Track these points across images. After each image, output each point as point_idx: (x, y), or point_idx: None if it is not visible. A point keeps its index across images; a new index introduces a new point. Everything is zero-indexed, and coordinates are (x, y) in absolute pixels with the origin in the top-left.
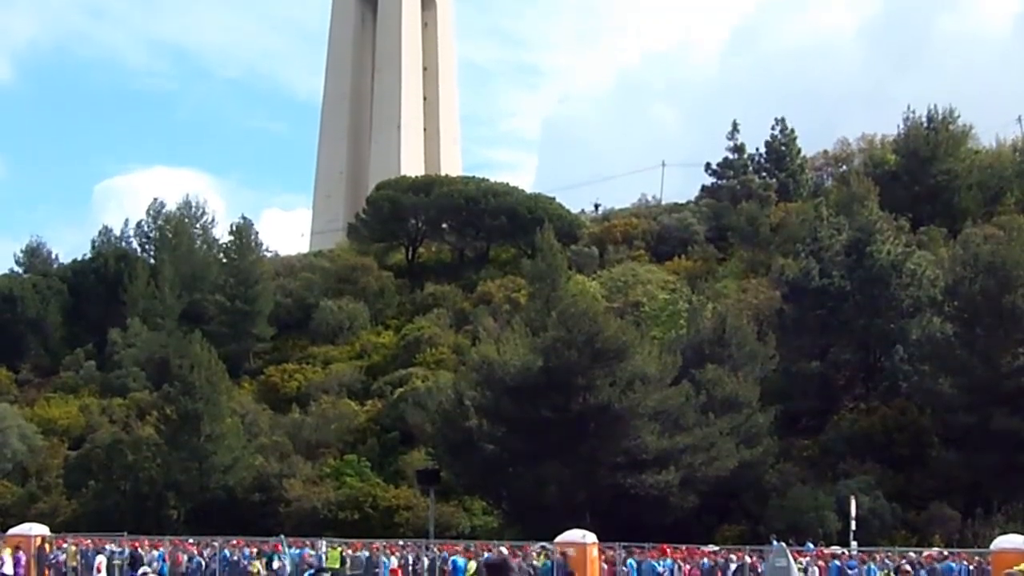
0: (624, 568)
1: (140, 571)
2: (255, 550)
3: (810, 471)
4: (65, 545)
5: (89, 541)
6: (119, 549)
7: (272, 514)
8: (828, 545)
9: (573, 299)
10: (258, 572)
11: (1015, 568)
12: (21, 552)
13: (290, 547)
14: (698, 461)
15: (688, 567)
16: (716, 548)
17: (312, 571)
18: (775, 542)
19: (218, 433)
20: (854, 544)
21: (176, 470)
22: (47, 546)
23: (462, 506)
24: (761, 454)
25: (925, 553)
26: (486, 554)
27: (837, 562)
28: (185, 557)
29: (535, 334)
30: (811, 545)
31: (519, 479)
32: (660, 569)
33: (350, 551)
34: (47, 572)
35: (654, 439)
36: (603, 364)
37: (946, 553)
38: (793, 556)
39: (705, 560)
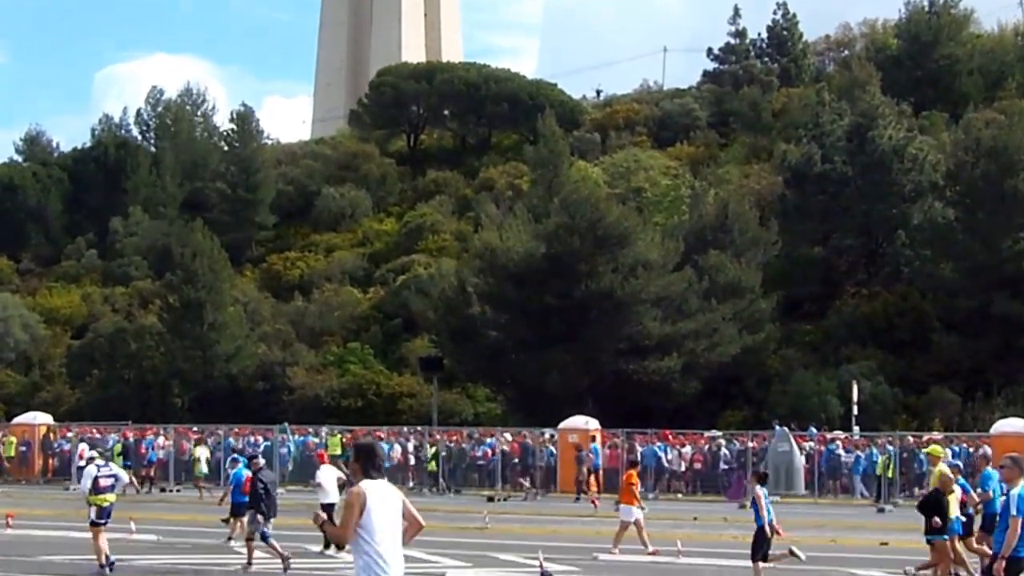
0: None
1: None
2: (195, 438)
3: (812, 356)
4: (69, 434)
5: (94, 430)
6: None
7: (275, 402)
8: (830, 430)
9: (575, 185)
10: (198, 460)
11: (930, 449)
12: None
13: (294, 435)
14: (700, 347)
15: (691, 452)
16: (718, 433)
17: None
18: (777, 427)
19: (221, 321)
20: (856, 428)
21: (179, 359)
22: (51, 435)
23: (465, 393)
24: (763, 340)
25: (925, 437)
26: (489, 440)
27: (833, 446)
28: (190, 445)
29: (537, 221)
30: (813, 430)
31: (522, 366)
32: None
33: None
34: (51, 461)
35: (656, 325)
36: (605, 250)
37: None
38: (795, 441)
39: (707, 445)
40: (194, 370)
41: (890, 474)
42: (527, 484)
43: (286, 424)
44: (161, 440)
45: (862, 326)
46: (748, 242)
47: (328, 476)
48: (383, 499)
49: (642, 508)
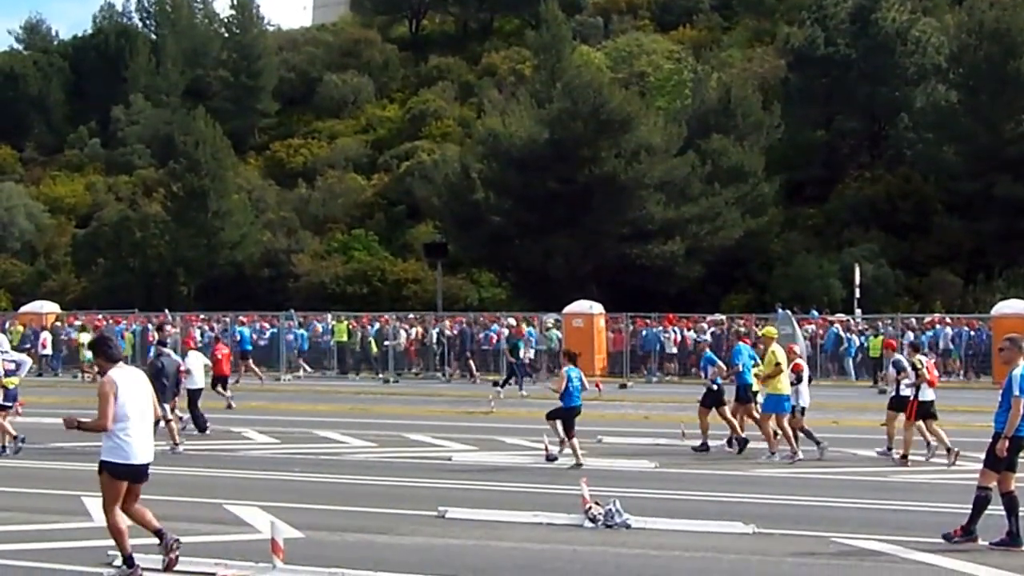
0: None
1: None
2: (79, 324)
3: (815, 239)
4: (77, 322)
5: (101, 318)
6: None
7: (281, 289)
8: (833, 312)
9: (578, 70)
10: (81, 346)
11: (764, 331)
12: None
13: (300, 321)
14: (703, 231)
15: (694, 335)
16: (721, 317)
17: None
18: (780, 310)
19: (225, 209)
20: (858, 311)
21: (184, 246)
22: (59, 323)
23: (470, 278)
24: (766, 223)
25: (927, 319)
26: (494, 326)
27: (835, 329)
28: (197, 332)
29: (540, 106)
30: (816, 312)
31: (526, 251)
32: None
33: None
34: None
35: (659, 209)
36: (608, 135)
37: (948, 319)
38: (798, 323)
39: (712, 329)
40: (199, 258)
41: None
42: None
43: (292, 311)
44: (169, 328)
45: (864, 209)
46: (751, 126)
47: (196, 362)
48: (131, 385)
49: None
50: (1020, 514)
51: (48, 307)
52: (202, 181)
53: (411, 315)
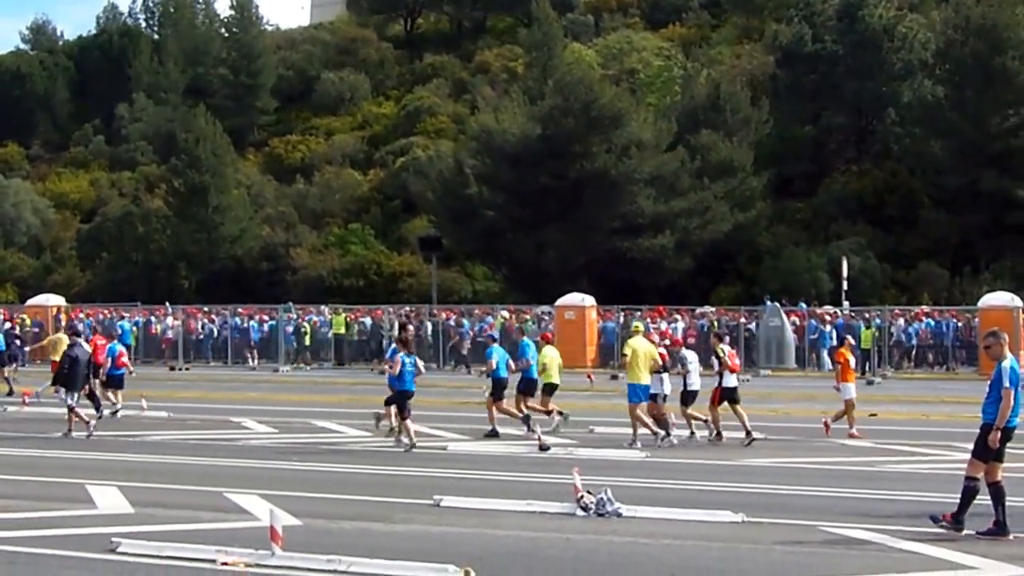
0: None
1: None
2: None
3: (803, 233)
4: (82, 315)
5: (105, 310)
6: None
7: (279, 282)
8: (820, 305)
9: (569, 67)
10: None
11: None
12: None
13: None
14: (693, 225)
15: (684, 327)
16: (711, 309)
17: None
18: (769, 302)
19: (225, 204)
20: (846, 303)
21: (185, 241)
22: (64, 316)
23: (464, 272)
24: (755, 217)
25: (914, 311)
26: (487, 317)
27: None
28: (198, 324)
29: (532, 102)
30: (804, 305)
31: (519, 245)
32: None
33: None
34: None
35: (650, 204)
36: (599, 131)
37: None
38: (786, 316)
39: (701, 321)
40: (200, 252)
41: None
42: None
43: (290, 303)
44: (170, 320)
45: (852, 203)
46: (739, 122)
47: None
48: None
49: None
50: (1007, 503)
51: (53, 300)
52: (203, 177)
53: (406, 307)
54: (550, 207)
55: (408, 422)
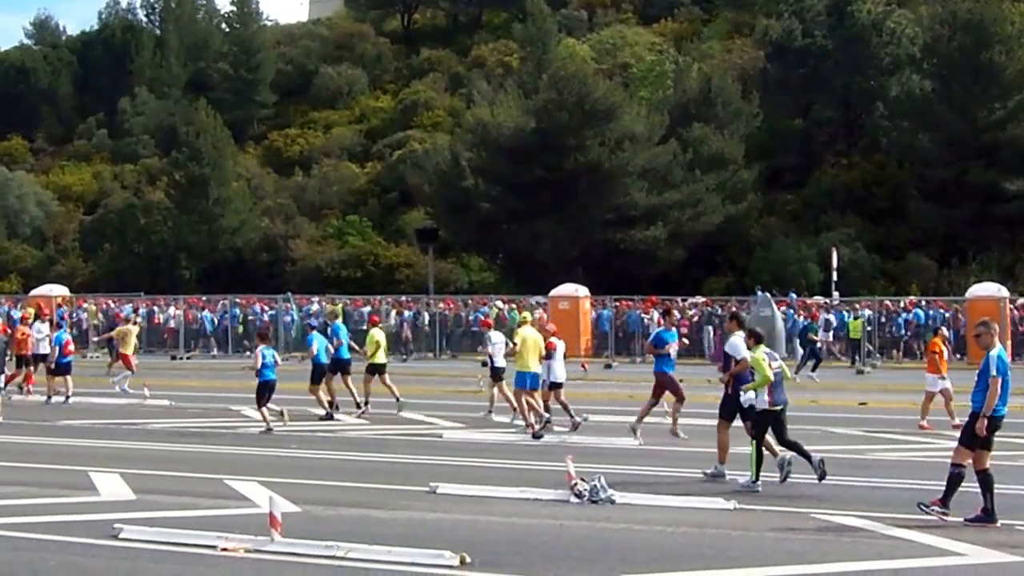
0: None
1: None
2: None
3: (793, 224)
4: (85, 305)
5: (108, 300)
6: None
7: (279, 273)
8: (811, 295)
9: (563, 62)
10: None
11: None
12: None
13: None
14: (685, 216)
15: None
16: (702, 299)
17: None
18: (760, 292)
19: (225, 196)
20: (835, 294)
21: (186, 232)
22: (67, 306)
23: (460, 263)
24: (746, 209)
25: (903, 301)
26: (483, 308)
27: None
28: (200, 314)
29: (527, 96)
30: (794, 295)
31: (514, 236)
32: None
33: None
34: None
35: (643, 196)
36: (593, 124)
37: (923, 301)
38: (777, 306)
39: (693, 311)
40: (201, 243)
41: (857, 335)
42: None
43: (289, 293)
44: (172, 310)
45: (841, 195)
46: (731, 115)
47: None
48: None
49: (943, 378)
50: (994, 491)
51: (57, 290)
52: (203, 170)
53: (403, 298)
54: (545, 199)
55: (264, 410)
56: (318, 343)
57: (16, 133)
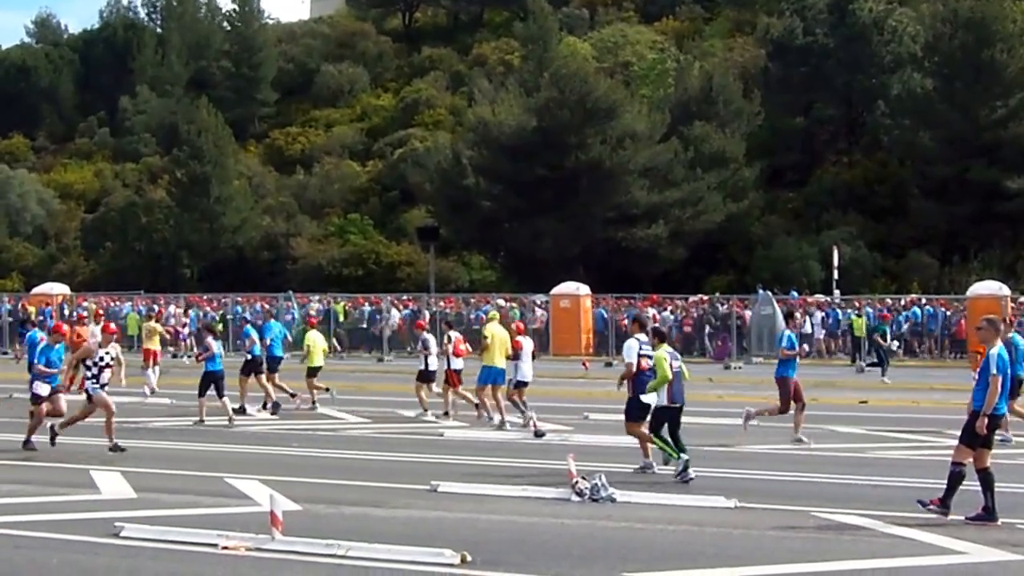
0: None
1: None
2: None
3: (794, 223)
4: (86, 303)
5: (109, 299)
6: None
7: (280, 271)
8: (812, 293)
9: (565, 60)
10: None
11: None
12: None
13: (298, 303)
14: (686, 215)
15: (679, 316)
16: (704, 297)
17: None
18: (761, 291)
19: (226, 195)
20: (836, 292)
21: (188, 230)
22: (68, 304)
23: (461, 261)
24: (747, 207)
25: (903, 300)
26: (485, 306)
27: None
28: (202, 313)
29: (528, 95)
30: (795, 293)
31: (515, 234)
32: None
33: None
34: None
35: (644, 194)
36: (594, 123)
37: (924, 299)
38: (778, 304)
39: (694, 309)
40: (202, 241)
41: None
42: None
43: (291, 292)
44: (173, 308)
45: (842, 193)
46: (732, 113)
47: None
48: None
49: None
50: (995, 489)
51: (58, 289)
52: (204, 168)
53: (404, 296)
54: (546, 197)
55: (203, 400)
56: (256, 335)
57: (18, 131)
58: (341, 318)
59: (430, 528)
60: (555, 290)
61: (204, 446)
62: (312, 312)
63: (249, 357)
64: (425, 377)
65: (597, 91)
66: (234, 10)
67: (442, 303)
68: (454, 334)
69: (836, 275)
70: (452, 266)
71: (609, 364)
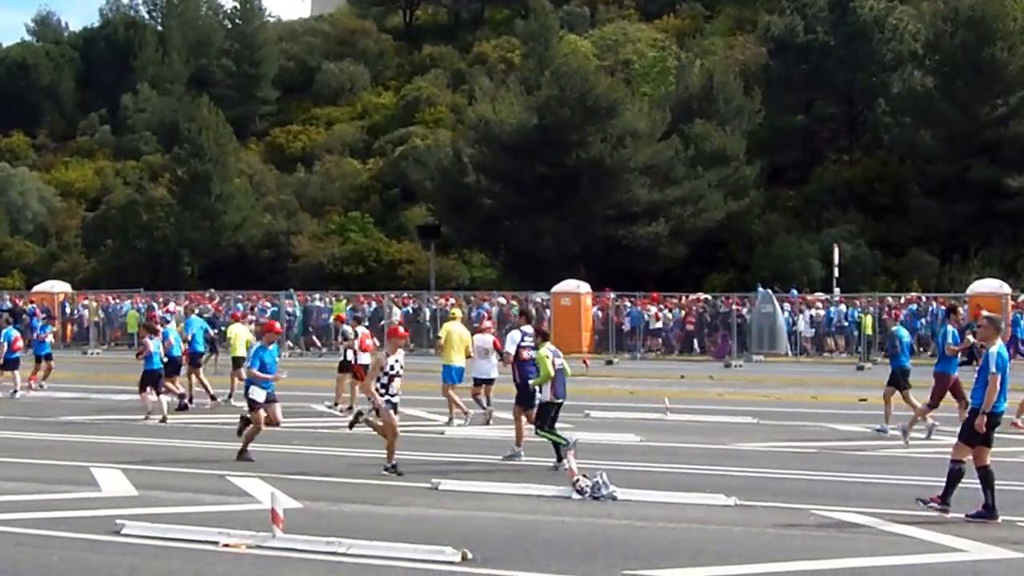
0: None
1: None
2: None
3: (795, 221)
4: (86, 301)
5: (109, 297)
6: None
7: (281, 269)
8: (812, 291)
9: (565, 58)
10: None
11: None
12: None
13: (298, 300)
14: (687, 213)
15: (679, 313)
16: (705, 296)
17: None
18: (761, 289)
19: (227, 193)
20: (837, 290)
21: (188, 228)
22: (69, 302)
23: (461, 259)
24: (747, 205)
25: (903, 298)
26: (484, 303)
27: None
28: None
29: (529, 93)
30: (795, 291)
31: (516, 232)
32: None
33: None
34: (71, 326)
35: (644, 192)
36: (595, 121)
37: (924, 298)
38: (779, 302)
39: (694, 307)
40: (203, 239)
41: (869, 331)
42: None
43: (291, 290)
44: (172, 306)
45: (843, 191)
46: (733, 111)
47: None
48: None
49: None
50: (995, 487)
51: (59, 286)
52: (205, 166)
53: (405, 294)
54: (546, 195)
55: (160, 396)
56: (175, 336)
57: (18, 129)
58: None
59: (431, 526)
60: (556, 288)
61: (205, 444)
62: (239, 308)
63: (166, 360)
64: (344, 367)
65: (598, 89)
66: (235, 8)
67: (442, 301)
68: (361, 329)
69: (836, 273)
70: (453, 264)
71: (610, 362)
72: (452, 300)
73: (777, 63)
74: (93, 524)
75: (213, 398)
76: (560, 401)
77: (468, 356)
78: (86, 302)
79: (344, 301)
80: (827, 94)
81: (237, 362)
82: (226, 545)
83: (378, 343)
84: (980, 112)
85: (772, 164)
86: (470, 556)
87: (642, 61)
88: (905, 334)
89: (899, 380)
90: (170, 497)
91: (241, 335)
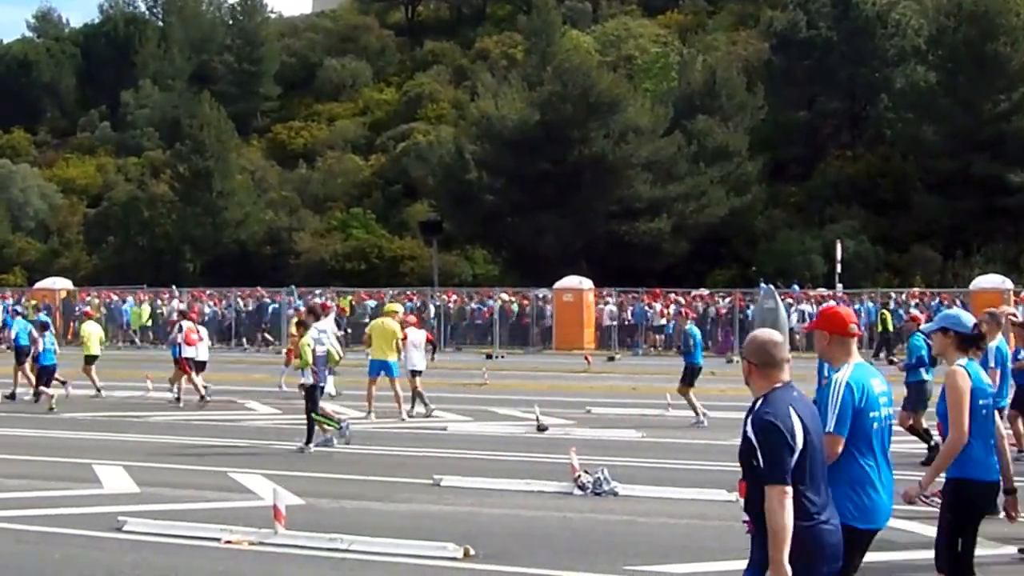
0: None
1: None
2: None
3: (797, 216)
4: (88, 298)
5: (111, 294)
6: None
7: (283, 266)
8: (815, 287)
9: (568, 54)
10: None
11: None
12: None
13: (299, 297)
14: (689, 209)
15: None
16: (707, 291)
17: None
18: (764, 285)
19: (229, 189)
20: (839, 286)
21: (190, 225)
22: (71, 299)
23: (464, 255)
24: (750, 201)
25: (905, 293)
26: (488, 300)
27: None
28: (206, 307)
29: (531, 89)
30: (798, 287)
31: (518, 229)
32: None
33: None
34: (72, 324)
35: (647, 188)
36: (597, 117)
37: (928, 293)
38: (781, 298)
39: (697, 303)
40: (204, 236)
41: (884, 328)
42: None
43: (293, 287)
44: (175, 303)
45: (845, 187)
46: (735, 107)
47: None
48: None
49: None
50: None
51: (60, 284)
52: (207, 162)
53: (408, 291)
54: (549, 192)
55: (48, 389)
56: (19, 327)
57: (19, 126)
58: (348, 313)
59: (433, 522)
60: (558, 284)
61: (207, 440)
62: (91, 306)
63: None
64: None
65: (600, 85)
66: (236, 4)
67: (444, 297)
68: (186, 324)
69: (839, 269)
70: (455, 260)
71: (612, 358)
72: (390, 294)
73: (780, 59)
74: (95, 521)
75: (36, 397)
76: (322, 385)
77: (398, 351)
78: (88, 299)
79: (348, 298)
80: (830, 90)
81: (90, 360)
82: (228, 542)
83: (203, 336)
84: (983, 108)
85: (774, 160)
86: (472, 552)
87: (644, 57)
88: (697, 332)
89: (691, 377)
90: (172, 494)
91: (94, 333)
